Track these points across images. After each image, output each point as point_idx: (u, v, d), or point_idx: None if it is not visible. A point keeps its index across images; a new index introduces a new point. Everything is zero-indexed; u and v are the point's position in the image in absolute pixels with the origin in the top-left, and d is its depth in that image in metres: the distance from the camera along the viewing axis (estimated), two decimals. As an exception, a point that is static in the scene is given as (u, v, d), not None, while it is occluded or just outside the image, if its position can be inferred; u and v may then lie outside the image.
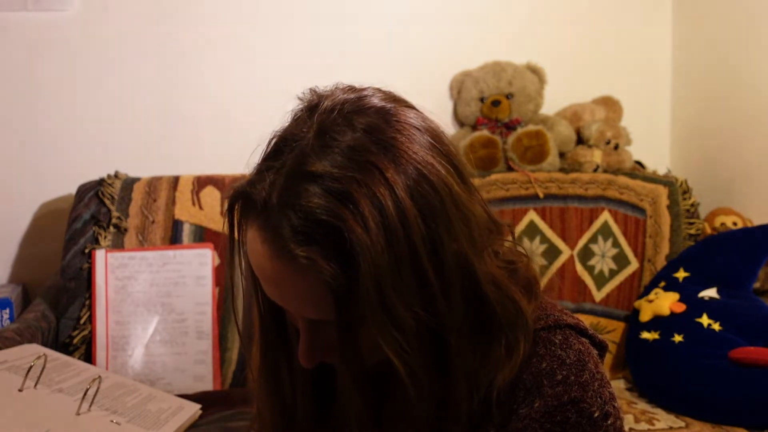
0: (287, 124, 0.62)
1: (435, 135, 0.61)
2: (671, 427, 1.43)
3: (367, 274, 0.54)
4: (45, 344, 1.33)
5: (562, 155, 1.94)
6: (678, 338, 1.55)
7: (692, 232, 1.82)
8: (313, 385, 0.72)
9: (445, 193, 0.58)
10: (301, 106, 0.63)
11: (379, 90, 0.64)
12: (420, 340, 0.58)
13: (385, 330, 0.56)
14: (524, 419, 0.63)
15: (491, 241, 0.65)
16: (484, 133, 1.90)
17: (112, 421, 0.91)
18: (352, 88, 0.63)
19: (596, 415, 0.62)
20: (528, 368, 0.64)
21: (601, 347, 0.69)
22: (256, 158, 0.62)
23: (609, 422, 0.63)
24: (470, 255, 0.59)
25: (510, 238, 0.70)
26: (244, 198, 0.59)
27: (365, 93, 0.62)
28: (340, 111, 0.59)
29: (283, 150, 0.58)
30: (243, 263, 0.65)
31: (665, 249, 1.81)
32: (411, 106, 0.64)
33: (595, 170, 1.88)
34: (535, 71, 1.99)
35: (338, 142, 0.57)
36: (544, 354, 0.64)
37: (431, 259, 0.56)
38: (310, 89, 0.63)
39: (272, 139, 0.61)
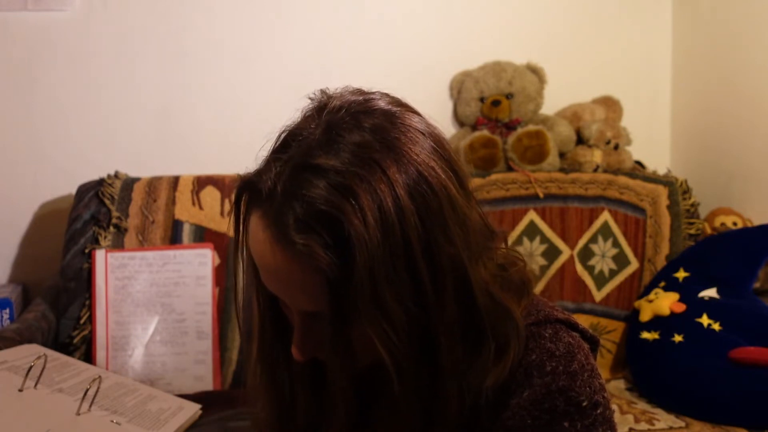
0: (297, 120, 0.64)
1: (437, 140, 0.63)
2: (671, 427, 1.43)
3: (362, 265, 0.55)
4: (45, 344, 1.32)
5: (562, 155, 1.94)
6: (678, 338, 1.55)
7: (692, 232, 1.82)
8: (312, 382, 0.72)
9: (443, 195, 0.59)
10: (310, 106, 0.64)
11: (386, 94, 0.65)
12: (409, 334, 0.59)
13: (376, 322, 0.57)
14: (514, 408, 0.64)
15: (486, 248, 0.66)
16: (484, 133, 1.90)
17: (112, 421, 0.91)
18: (360, 91, 0.65)
19: (585, 404, 0.63)
20: (518, 362, 0.65)
21: (593, 341, 0.70)
22: (264, 153, 0.63)
23: (598, 411, 0.64)
24: (465, 260, 0.60)
25: (503, 245, 0.71)
26: (250, 187, 0.61)
27: (372, 96, 0.64)
28: (347, 110, 0.61)
29: (291, 144, 0.60)
30: (245, 255, 0.66)
31: (665, 249, 1.81)
32: (416, 112, 0.65)
33: (595, 170, 1.88)
34: (535, 71, 1.99)
35: (344, 139, 0.58)
36: (534, 347, 0.65)
37: (425, 257, 0.58)
38: (321, 90, 0.65)
39: (281, 133, 0.63)
